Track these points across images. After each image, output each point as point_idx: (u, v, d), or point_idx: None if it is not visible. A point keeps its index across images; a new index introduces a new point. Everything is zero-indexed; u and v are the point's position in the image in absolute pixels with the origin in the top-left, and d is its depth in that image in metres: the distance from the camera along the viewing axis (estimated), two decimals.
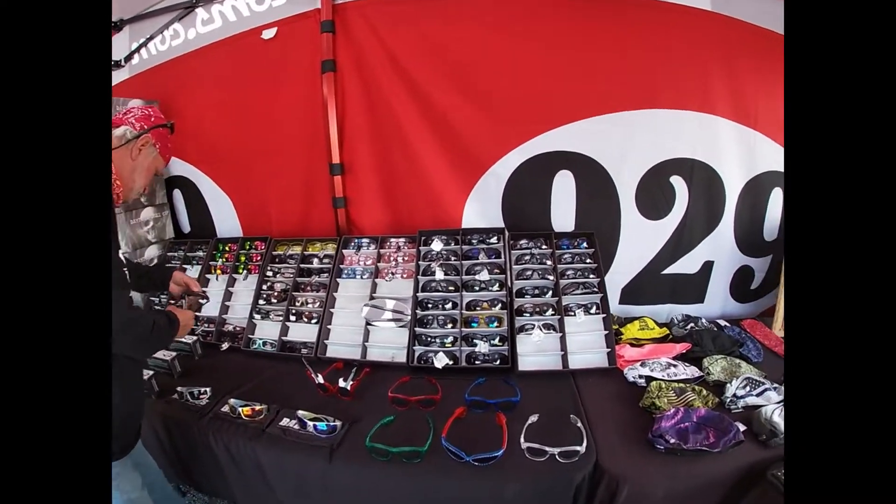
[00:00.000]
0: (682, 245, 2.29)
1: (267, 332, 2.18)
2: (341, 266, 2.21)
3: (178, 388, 1.72)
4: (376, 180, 2.29)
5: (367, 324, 2.01)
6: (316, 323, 2.10)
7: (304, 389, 1.76)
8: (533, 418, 1.55)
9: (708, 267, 2.35)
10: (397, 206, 2.30)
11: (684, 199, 2.24)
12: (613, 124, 2.12)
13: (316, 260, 2.26)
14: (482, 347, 1.89)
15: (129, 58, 2.63)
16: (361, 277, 2.16)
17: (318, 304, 2.15)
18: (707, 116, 2.20)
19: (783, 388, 1.62)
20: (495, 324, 1.95)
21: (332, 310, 2.13)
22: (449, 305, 1.99)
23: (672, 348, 2.01)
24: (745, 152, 2.28)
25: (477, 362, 1.90)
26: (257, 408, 1.61)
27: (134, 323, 1.18)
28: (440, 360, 1.88)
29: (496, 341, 1.92)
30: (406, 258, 2.14)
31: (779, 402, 1.56)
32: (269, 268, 2.31)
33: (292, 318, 2.15)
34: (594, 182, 2.16)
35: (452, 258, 2.08)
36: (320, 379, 1.74)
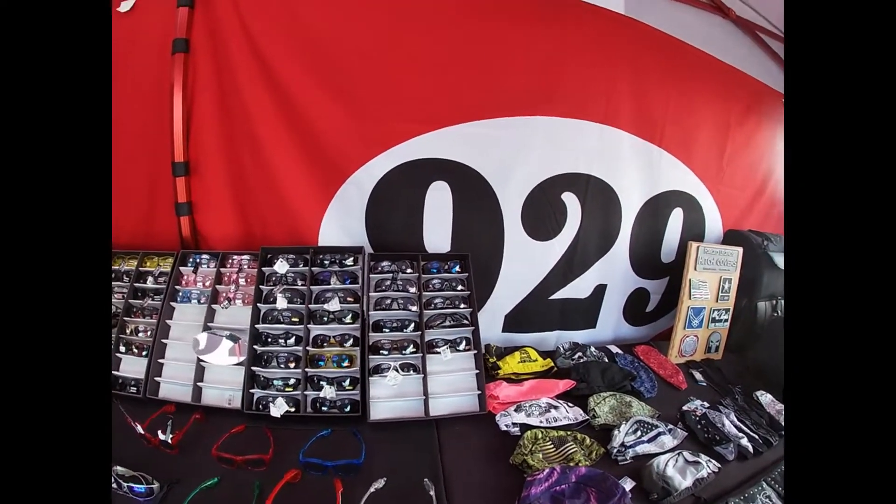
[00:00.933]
0: (574, 268, 2.11)
1: None
2: (177, 287, 1.85)
3: None
4: (226, 184, 1.91)
5: (198, 360, 1.69)
6: (146, 356, 1.75)
7: (131, 437, 1.46)
8: (378, 484, 1.33)
9: (600, 291, 2.20)
10: (249, 216, 1.94)
11: (577, 218, 2.05)
12: (500, 130, 1.88)
13: (151, 278, 1.89)
14: (328, 392, 1.62)
15: None
16: (199, 301, 1.82)
17: (150, 332, 1.80)
18: (609, 129, 2.01)
19: (678, 429, 1.53)
20: (347, 363, 1.68)
21: (164, 340, 1.78)
22: (292, 340, 1.69)
23: (555, 386, 1.82)
24: (646, 170, 2.11)
25: (324, 409, 1.63)
26: None
27: None
28: (279, 408, 1.60)
29: (347, 384, 1.65)
30: (248, 280, 1.81)
31: (673, 450, 1.42)
32: None
33: (122, 348, 1.79)
34: (474, 196, 1.91)
35: (300, 282, 1.77)
36: (139, 429, 1.45)
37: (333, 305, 1.71)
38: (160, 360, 1.75)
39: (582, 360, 1.95)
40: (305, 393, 1.64)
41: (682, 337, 2.11)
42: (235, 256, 1.86)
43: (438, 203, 1.91)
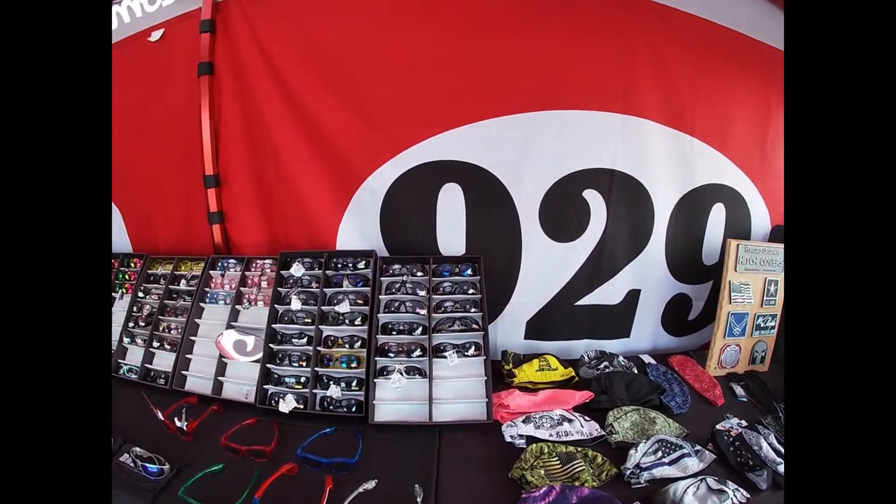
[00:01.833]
0: (601, 272, 1.95)
1: (136, 357, 1.97)
2: (206, 289, 1.98)
3: None
4: (253, 194, 2.03)
5: (220, 356, 1.78)
6: (176, 351, 1.88)
7: (154, 423, 1.59)
8: (368, 485, 1.30)
9: (634, 297, 2.01)
10: (274, 223, 2.04)
11: (601, 217, 1.91)
12: (510, 127, 1.81)
13: (183, 281, 2.04)
14: (334, 392, 1.62)
15: None
16: (225, 303, 1.92)
17: (180, 330, 1.93)
18: (632, 119, 1.86)
19: (707, 451, 1.34)
20: (355, 364, 1.68)
21: (193, 337, 1.90)
22: (305, 340, 1.72)
23: (571, 397, 1.68)
24: (678, 162, 1.93)
25: (331, 408, 1.63)
26: None
27: None
28: (287, 404, 1.63)
29: (354, 385, 1.64)
30: (269, 283, 1.88)
31: (696, 475, 1.23)
32: (141, 288, 2.10)
33: (156, 344, 1.94)
34: (487, 197, 1.85)
35: (314, 285, 1.81)
36: (160, 416, 1.57)
37: (344, 307, 1.73)
38: (188, 356, 1.87)
39: (607, 371, 1.78)
40: (314, 391, 1.65)
41: (722, 346, 1.86)
42: (259, 261, 1.96)
43: (451, 205, 1.87)
